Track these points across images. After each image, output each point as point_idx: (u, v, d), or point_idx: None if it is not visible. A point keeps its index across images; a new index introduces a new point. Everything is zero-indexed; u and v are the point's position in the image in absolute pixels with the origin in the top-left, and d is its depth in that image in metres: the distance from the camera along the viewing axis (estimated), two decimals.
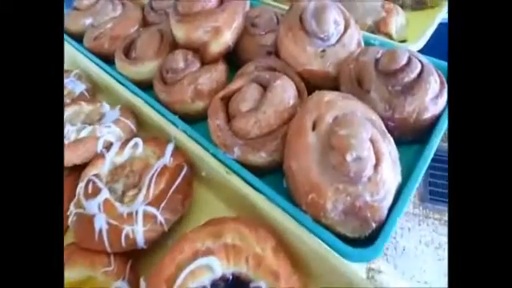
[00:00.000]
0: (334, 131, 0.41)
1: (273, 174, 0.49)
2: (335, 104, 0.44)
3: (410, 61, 0.47)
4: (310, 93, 0.53)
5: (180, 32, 0.63)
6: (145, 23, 0.83)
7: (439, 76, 0.47)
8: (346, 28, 0.56)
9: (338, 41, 0.55)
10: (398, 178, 0.40)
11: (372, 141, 0.40)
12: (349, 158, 0.38)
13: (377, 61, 0.51)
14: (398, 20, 0.65)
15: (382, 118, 0.45)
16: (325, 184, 0.38)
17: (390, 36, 0.64)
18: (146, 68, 0.68)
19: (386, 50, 0.51)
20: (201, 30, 0.61)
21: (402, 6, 0.71)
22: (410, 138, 0.48)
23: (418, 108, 0.45)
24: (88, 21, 0.87)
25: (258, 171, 0.48)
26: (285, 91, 0.52)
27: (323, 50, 0.54)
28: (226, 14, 0.61)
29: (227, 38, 0.61)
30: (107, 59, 0.75)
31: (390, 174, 0.39)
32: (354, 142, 0.39)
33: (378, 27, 0.64)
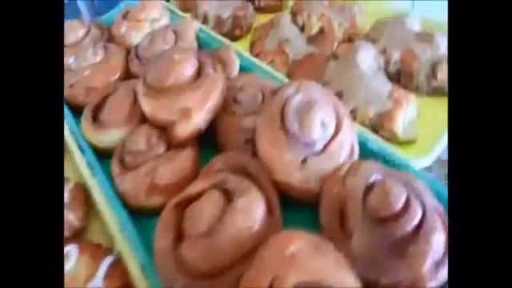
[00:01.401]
0: None
1: None
2: (302, 262, 0.33)
3: (407, 205, 0.36)
4: (284, 203, 0.44)
5: (146, 107, 0.54)
6: (127, 72, 0.75)
7: (444, 228, 0.35)
8: (337, 131, 0.44)
9: (324, 148, 0.44)
10: None
11: None
12: None
13: (368, 189, 0.39)
14: (407, 114, 0.52)
15: (365, 283, 0.34)
16: None
17: (394, 135, 0.52)
18: (110, 137, 0.59)
19: (381, 175, 0.40)
20: (168, 109, 0.51)
21: (417, 90, 0.58)
22: None
23: (412, 277, 0.34)
24: (71, 59, 0.80)
25: None
26: (249, 213, 0.41)
27: (304, 160, 0.43)
28: (200, 93, 0.51)
29: (197, 120, 0.51)
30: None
31: None
32: None
33: (381, 121, 0.51)
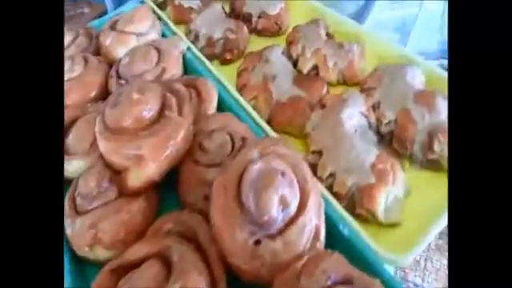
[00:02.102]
0: None
1: None
2: None
3: None
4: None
5: (101, 147, 0.48)
6: (106, 89, 0.69)
7: None
8: (300, 211, 0.38)
9: (281, 231, 0.37)
10: None
11: None
12: None
13: None
14: (391, 192, 0.44)
15: None
16: None
17: (373, 216, 0.44)
18: (72, 167, 0.54)
19: (341, 278, 0.33)
20: (121, 154, 0.46)
21: (410, 158, 0.50)
22: None
23: None
24: None
25: None
26: None
27: (257, 242, 0.37)
28: (155, 141, 0.45)
29: (151, 171, 0.45)
30: None
31: None
32: None
33: (360, 196, 0.44)
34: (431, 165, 0.48)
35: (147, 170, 0.45)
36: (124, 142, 0.45)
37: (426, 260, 0.43)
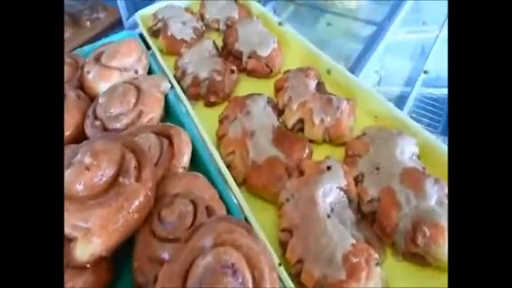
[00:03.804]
0: None
1: None
2: None
3: None
4: None
5: None
6: (83, 129, 0.66)
7: None
8: None
9: None
10: None
11: None
12: None
13: None
14: None
15: None
16: None
17: None
18: None
19: None
20: (70, 224, 0.41)
21: (393, 245, 0.44)
22: None
23: None
24: None
25: None
26: None
27: None
28: (104, 213, 0.41)
29: (97, 246, 0.41)
30: None
31: None
32: None
33: None
34: (415, 258, 0.42)
35: (93, 244, 0.41)
36: (72, 212, 0.41)
37: None
